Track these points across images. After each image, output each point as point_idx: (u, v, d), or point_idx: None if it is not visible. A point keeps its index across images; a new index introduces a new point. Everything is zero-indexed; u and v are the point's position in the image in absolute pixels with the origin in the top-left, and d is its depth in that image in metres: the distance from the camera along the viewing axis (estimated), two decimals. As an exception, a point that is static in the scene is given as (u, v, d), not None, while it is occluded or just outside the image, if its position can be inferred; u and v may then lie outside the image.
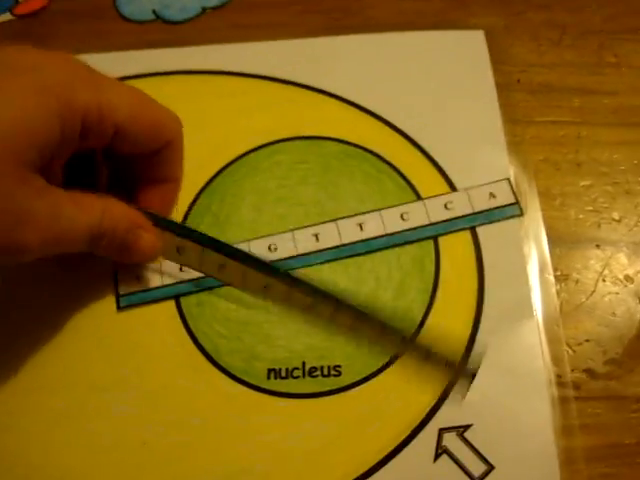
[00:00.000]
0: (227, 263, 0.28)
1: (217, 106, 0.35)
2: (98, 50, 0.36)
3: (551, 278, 0.30)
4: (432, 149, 0.33)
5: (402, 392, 0.28)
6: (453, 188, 0.32)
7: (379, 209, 0.32)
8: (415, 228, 0.31)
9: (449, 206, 0.31)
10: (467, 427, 0.27)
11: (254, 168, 0.33)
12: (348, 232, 0.31)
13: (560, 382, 0.28)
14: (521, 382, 0.28)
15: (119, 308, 0.30)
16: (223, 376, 0.28)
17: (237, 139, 0.34)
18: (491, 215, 0.31)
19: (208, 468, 0.27)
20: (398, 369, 0.28)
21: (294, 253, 0.31)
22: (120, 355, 0.29)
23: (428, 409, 0.27)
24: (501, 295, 0.29)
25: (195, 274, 0.30)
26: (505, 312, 0.29)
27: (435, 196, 0.32)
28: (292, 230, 0.31)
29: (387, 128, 0.34)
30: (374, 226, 0.31)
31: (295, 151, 0.34)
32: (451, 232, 0.31)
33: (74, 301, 0.30)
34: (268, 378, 0.28)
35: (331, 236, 0.31)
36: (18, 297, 0.31)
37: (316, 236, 0.31)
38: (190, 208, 0.32)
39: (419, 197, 0.32)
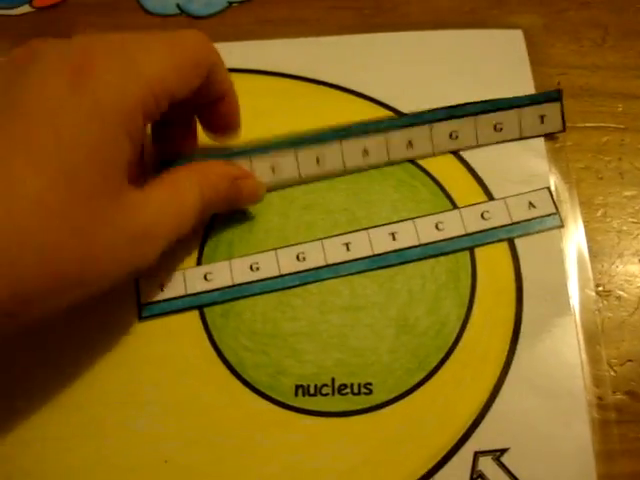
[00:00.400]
0: (324, 151, 0.30)
1: (240, 106, 0.34)
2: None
3: (592, 294, 0.29)
4: (468, 155, 0.32)
5: (436, 412, 0.27)
6: (490, 197, 0.31)
7: (413, 218, 0.30)
8: (450, 238, 0.30)
9: (486, 216, 0.30)
10: (504, 451, 0.26)
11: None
12: (380, 242, 0.30)
13: (601, 404, 0.27)
14: (560, 404, 0.26)
15: (141, 318, 0.29)
16: (248, 391, 0.27)
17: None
18: (530, 226, 0.30)
19: (231, 487, 0.26)
20: (432, 387, 0.27)
21: (323, 263, 0.29)
22: (141, 367, 0.28)
23: (463, 431, 0.26)
24: (540, 311, 0.28)
25: (220, 284, 0.29)
26: (544, 330, 0.28)
27: (471, 205, 0.31)
28: (321, 239, 0.30)
29: (420, 132, 0.33)
30: (407, 236, 0.30)
31: (323, 155, 0.32)
32: (488, 243, 0.30)
33: (93, 310, 0.29)
34: (296, 395, 0.27)
35: (362, 246, 0.30)
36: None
37: (347, 245, 0.30)
38: (214, 215, 0.31)
39: (455, 206, 0.31)
